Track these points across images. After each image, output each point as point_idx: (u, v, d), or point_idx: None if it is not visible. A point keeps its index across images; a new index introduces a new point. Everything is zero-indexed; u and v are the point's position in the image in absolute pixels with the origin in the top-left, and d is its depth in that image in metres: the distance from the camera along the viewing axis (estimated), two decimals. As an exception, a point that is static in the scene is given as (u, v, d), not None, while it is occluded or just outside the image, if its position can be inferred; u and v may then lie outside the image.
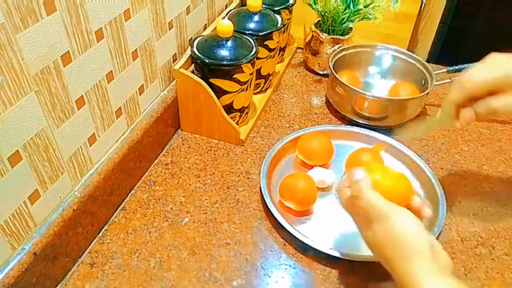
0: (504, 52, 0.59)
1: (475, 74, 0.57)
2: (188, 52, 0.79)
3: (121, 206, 0.72)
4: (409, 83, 0.93)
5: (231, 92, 0.79)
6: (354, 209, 0.56)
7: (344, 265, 0.64)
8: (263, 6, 0.89)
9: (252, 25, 0.86)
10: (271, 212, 0.68)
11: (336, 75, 0.89)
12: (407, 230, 0.50)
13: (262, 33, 0.85)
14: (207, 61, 0.75)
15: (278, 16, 0.90)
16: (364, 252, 0.66)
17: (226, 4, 1.00)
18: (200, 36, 0.81)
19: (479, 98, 0.57)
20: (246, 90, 0.81)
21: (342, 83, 0.87)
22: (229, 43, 0.77)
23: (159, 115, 0.78)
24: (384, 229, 0.51)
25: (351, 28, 1.00)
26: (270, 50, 0.88)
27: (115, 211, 0.71)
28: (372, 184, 0.55)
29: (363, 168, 0.56)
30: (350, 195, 0.55)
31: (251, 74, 0.80)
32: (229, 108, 0.82)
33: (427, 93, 0.86)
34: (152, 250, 0.66)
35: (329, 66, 0.91)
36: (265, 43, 0.86)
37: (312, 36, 1.02)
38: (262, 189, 0.72)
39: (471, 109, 0.58)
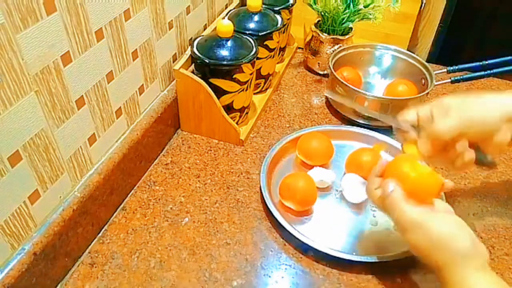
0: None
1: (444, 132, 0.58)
2: (188, 52, 0.79)
3: (121, 206, 0.72)
4: (406, 80, 0.93)
5: (231, 92, 0.79)
6: (393, 217, 0.57)
7: (344, 265, 0.64)
8: (263, 6, 0.89)
9: (252, 25, 0.86)
10: (271, 212, 0.68)
11: (336, 75, 0.89)
12: (446, 235, 0.52)
13: (262, 33, 0.85)
14: (207, 61, 0.75)
15: (278, 16, 0.90)
16: (364, 252, 0.66)
17: (226, 4, 1.00)
18: (200, 36, 0.81)
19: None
20: (246, 90, 0.81)
21: (342, 83, 0.87)
22: (229, 43, 0.76)
23: (159, 115, 0.78)
24: (423, 236, 0.53)
25: (351, 28, 1.00)
26: (270, 50, 0.88)
27: (115, 211, 0.71)
28: (403, 180, 0.57)
29: (394, 180, 0.57)
30: (383, 206, 0.58)
31: (251, 74, 0.80)
32: (229, 108, 0.82)
33: (427, 93, 0.86)
34: (152, 250, 0.66)
35: (329, 66, 0.91)
36: (265, 43, 0.86)
37: (312, 36, 1.02)
38: (262, 189, 0.72)
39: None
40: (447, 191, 0.60)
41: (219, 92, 0.79)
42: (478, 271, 0.50)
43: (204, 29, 0.92)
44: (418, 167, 0.57)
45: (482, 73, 0.88)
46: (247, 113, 0.87)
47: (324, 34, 0.99)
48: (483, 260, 0.51)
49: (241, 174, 0.79)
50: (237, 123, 0.85)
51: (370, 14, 0.95)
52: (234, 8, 0.93)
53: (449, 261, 0.51)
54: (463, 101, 0.59)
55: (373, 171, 0.62)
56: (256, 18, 0.87)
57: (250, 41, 0.80)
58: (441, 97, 0.61)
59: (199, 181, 0.77)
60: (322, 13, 0.98)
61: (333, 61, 0.93)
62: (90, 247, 0.66)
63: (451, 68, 0.92)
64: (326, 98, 0.97)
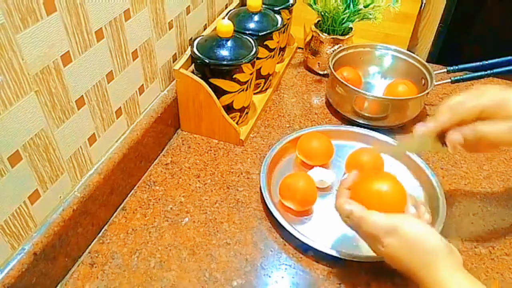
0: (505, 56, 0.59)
1: (465, 100, 0.56)
2: (188, 52, 0.79)
3: (121, 206, 0.72)
4: (406, 80, 0.93)
5: (231, 92, 0.79)
6: (360, 231, 0.57)
7: (344, 265, 0.64)
8: (263, 6, 0.89)
9: (252, 25, 0.86)
10: (271, 212, 0.68)
11: (336, 75, 0.89)
12: (419, 234, 0.52)
13: (262, 33, 0.85)
14: (207, 61, 0.75)
15: (278, 16, 0.90)
16: (364, 252, 0.66)
17: (226, 4, 1.00)
18: (200, 36, 0.81)
19: (466, 123, 0.56)
20: (246, 90, 0.81)
21: (342, 83, 0.87)
22: (229, 43, 0.77)
23: (159, 115, 0.78)
24: (397, 241, 0.52)
25: (351, 28, 1.00)
26: (270, 50, 0.88)
27: (115, 211, 0.71)
28: (368, 195, 0.57)
29: (348, 197, 0.58)
30: (353, 225, 0.57)
31: (251, 74, 0.80)
32: (229, 108, 0.82)
33: (427, 93, 0.86)
34: (152, 250, 0.66)
35: (329, 66, 0.91)
36: (265, 43, 0.86)
37: (312, 36, 1.02)
38: (262, 189, 0.72)
39: (458, 133, 0.56)
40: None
41: (219, 92, 0.79)
42: (456, 271, 0.50)
43: (204, 29, 0.92)
44: (387, 180, 0.58)
45: (482, 73, 0.88)
46: (247, 113, 0.87)
47: (324, 34, 0.99)
48: (458, 261, 0.51)
49: (241, 174, 0.79)
50: (237, 123, 0.85)
51: (370, 14, 0.95)
52: (234, 8, 0.93)
53: (426, 261, 0.50)
54: (498, 88, 0.56)
55: (342, 183, 0.62)
56: (256, 18, 0.87)
57: (250, 41, 0.80)
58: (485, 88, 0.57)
59: (199, 181, 0.77)
60: (322, 13, 0.98)
61: (333, 61, 0.93)
62: (90, 247, 0.66)
63: (451, 68, 0.92)
64: (326, 98, 0.97)
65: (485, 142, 0.55)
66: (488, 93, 0.55)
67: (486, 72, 0.87)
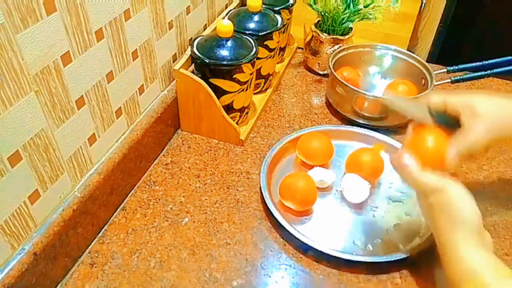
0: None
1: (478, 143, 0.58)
2: (188, 52, 0.79)
3: (121, 206, 0.72)
4: (406, 80, 0.93)
5: (231, 92, 0.79)
6: (412, 185, 0.59)
7: (344, 265, 0.64)
8: (263, 6, 0.89)
9: (252, 25, 0.86)
10: (271, 212, 0.68)
11: (336, 75, 0.89)
12: (462, 201, 0.54)
13: (262, 33, 0.85)
14: (207, 61, 0.75)
15: (278, 16, 0.90)
16: (364, 252, 0.66)
17: (226, 4, 1.00)
18: (200, 36, 0.81)
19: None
20: (246, 90, 0.81)
21: (342, 83, 0.87)
22: (229, 43, 0.77)
23: (159, 115, 0.78)
24: (441, 200, 0.54)
25: (351, 28, 1.00)
26: (270, 50, 0.88)
27: (115, 211, 0.71)
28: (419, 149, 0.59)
29: (407, 151, 0.59)
30: (404, 177, 0.59)
31: (251, 74, 0.80)
32: (229, 108, 0.82)
33: (427, 93, 0.86)
34: (152, 250, 0.66)
35: (329, 66, 0.91)
36: (265, 43, 0.86)
37: (312, 36, 1.02)
38: (262, 189, 0.72)
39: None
40: None
41: (219, 92, 0.79)
42: (478, 249, 0.51)
43: (204, 29, 0.92)
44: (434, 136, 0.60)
45: (482, 73, 0.88)
46: (247, 113, 0.87)
47: (324, 34, 0.99)
48: (483, 241, 0.52)
49: (241, 174, 0.79)
50: (237, 123, 0.85)
51: (370, 14, 0.95)
52: (234, 8, 0.93)
53: (451, 224, 0.53)
54: (494, 106, 0.59)
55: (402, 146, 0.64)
56: (256, 18, 0.87)
57: (250, 41, 0.80)
58: (470, 95, 0.60)
59: (199, 181, 0.77)
60: (322, 13, 0.98)
61: (333, 61, 0.93)
62: (90, 247, 0.66)
63: (451, 68, 0.92)
64: (326, 98, 0.97)
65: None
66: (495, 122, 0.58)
67: (486, 72, 0.87)
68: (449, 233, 0.53)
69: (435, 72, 0.90)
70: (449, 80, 0.91)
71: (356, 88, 0.86)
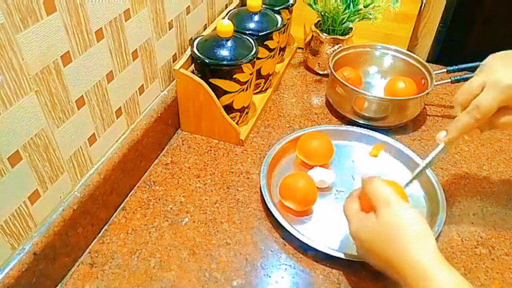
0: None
1: (489, 102, 0.58)
2: (188, 52, 0.79)
3: (121, 206, 0.72)
4: (404, 76, 0.93)
5: (231, 92, 0.79)
6: (361, 198, 0.58)
7: (344, 265, 0.64)
8: (263, 6, 0.89)
9: (252, 25, 0.86)
10: (271, 212, 0.68)
11: (336, 75, 0.89)
12: (415, 217, 0.52)
13: (262, 33, 0.85)
14: (207, 61, 0.75)
15: (278, 16, 0.90)
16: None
17: (226, 4, 1.00)
18: (200, 36, 0.81)
19: None
20: (246, 90, 0.81)
21: (342, 83, 0.87)
22: (229, 43, 0.77)
23: (159, 115, 0.78)
24: (391, 214, 0.53)
25: (351, 28, 1.00)
26: (270, 50, 0.88)
27: (115, 211, 0.71)
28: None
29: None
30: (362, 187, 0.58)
31: (251, 74, 0.80)
32: (229, 108, 0.82)
33: (427, 93, 0.86)
34: (152, 250, 0.66)
35: (329, 66, 0.91)
36: (265, 43, 0.86)
37: (312, 36, 1.02)
38: (262, 189, 0.72)
39: (477, 130, 0.61)
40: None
41: (219, 92, 0.79)
42: (446, 268, 0.49)
43: (204, 29, 0.92)
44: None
45: (482, 73, 0.88)
46: (247, 113, 0.87)
47: (324, 34, 0.99)
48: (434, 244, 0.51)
49: (241, 174, 0.79)
50: (237, 123, 0.85)
51: (370, 14, 0.95)
52: (234, 8, 0.93)
53: (408, 239, 0.51)
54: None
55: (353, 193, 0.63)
56: (256, 18, 0.87)
57: (250, 41, 0.80)
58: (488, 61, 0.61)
59: (199, 181, 0.77)
60: (322, 13, 0.98)
61: (333, 61, 0.93)
62: (90, 247, 0.66)
63: (451, 68, 0.92)
64: (326, 98, 0.97)
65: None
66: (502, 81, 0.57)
67: (486, 72, 0.87)
68: (410, 251, 0.50)
69: (435, 72, 0.90)
70: (449, 80, 0.91)
71: (356, 88, 0.86)
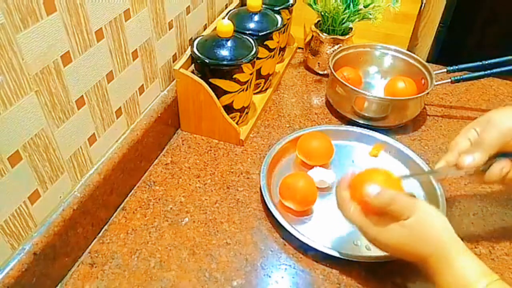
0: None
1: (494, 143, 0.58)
2: (188, 52, 0.79)
3: (121, 206, 0.72)
4: (404, 76, 0.93)
5: (231, 92, 0.79)
6: (381, 214, 0.56)
7: (344, 265, 0.64)
8: (263, 6, 0.89)
9: (252, 25, 0.86)
10: (271, 212, 0.68)
11: (336, 75, 0.89)
12: (432, 216, 0.54)
13: (262, 33, 0.85)
14: (207, 61, 0.75)
15: (278, 16, 0.90)
16: (364, 252, 0.66)
17: (226, 4, 1.00)
18: (200, 36, 0.81)
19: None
20: (246, 90, 0.81)
21: (342, 83, 0.87)
22: (229, 43, 0.77)
23: (159, 115, 0.78)
24: (419, 218, 0.53)
25: (351, 28, 1.00)
26: (270, 50, 0.88)
27: (115, 211, 0.71)
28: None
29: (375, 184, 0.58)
30: (382, 207, 0.56)
31: (251, 74, 0.80)
32: (229, 108, 0.82)
33: (427, 93, 0.86)
34: (152, 250, 0.66)
35: (329, 66, 0.91)
36: (265, 43, 0.86)
37: (312, 36, 1.02)
38: (262, 189, 0.72)
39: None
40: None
41: (219, 92, 0.79)
42: (487, 277, 0.52)
43: (204, 29, 0.92)
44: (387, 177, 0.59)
45: (482, 73, 0.88)
46: (247, 113, 0.87)
47: (324, 34, 0.99)
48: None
49: (241, 174, 0.79)
50: (237, 123, 0.85)
51: (370, 14, 0.95)
52: (234, 8, 0.93)
53: (439, 241, 0.53)
54: (504, 111, 0.60)
55: (340, 185, 0.61)
56: (256, 18, 0.87)
57: (250, 41, 0.80)
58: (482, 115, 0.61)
59: (199, 181, 0.77)
60: (322, 13, 0.98)
61: (333, 61, 0.93)
62: (90, 247, 0.66)
63: (451, 68, 0.92)
64: (326, 98, 0.97)
65: None
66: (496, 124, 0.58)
67: (486, 72, 0.87)
68: (438, 249, 0.52)
69: (435, 72, 0.90)
70: (449, 80, 0.91)
71: (356, 88, 0.86)
